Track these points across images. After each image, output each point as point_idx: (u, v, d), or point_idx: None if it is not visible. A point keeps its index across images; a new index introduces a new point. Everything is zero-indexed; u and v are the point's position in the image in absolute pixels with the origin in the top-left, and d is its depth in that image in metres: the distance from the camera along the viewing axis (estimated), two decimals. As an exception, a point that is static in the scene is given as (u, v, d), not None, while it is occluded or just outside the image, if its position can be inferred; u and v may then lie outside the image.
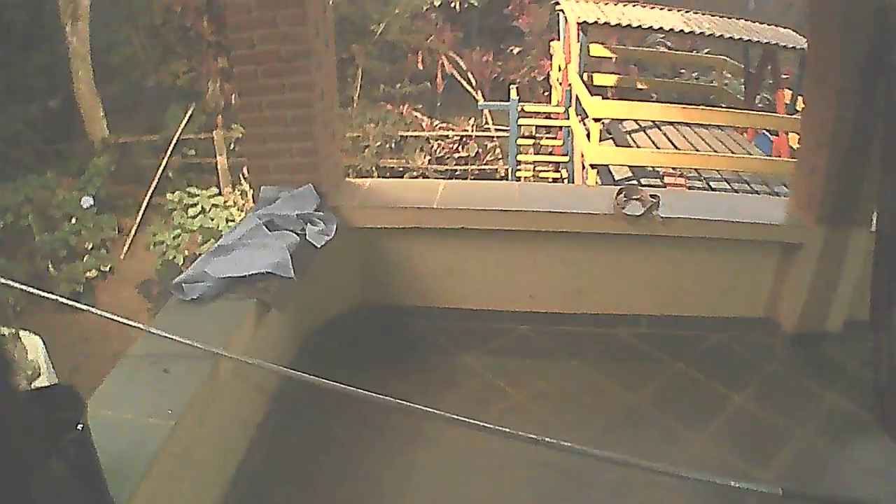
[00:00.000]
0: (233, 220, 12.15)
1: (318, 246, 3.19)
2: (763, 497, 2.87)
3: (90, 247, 12.65)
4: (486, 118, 15.80)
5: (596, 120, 7.34)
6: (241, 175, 13.51)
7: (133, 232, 13.31)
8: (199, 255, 3.29)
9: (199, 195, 13.17)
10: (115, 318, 2.70)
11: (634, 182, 7.56)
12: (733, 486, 2.88)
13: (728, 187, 7.15)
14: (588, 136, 7.59)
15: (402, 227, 3.61)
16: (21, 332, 5.22)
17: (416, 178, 13.86)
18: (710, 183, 7.37)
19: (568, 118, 10.09)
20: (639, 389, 3.51)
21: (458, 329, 3.79)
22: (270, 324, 2.93)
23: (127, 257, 13.06)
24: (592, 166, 7.37)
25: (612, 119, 8.11)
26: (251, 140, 3.55)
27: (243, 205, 13.08)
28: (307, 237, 3.17)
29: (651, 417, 3.37)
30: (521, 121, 10.86)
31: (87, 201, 13.14)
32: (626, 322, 3.95)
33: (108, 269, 12.56)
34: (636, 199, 3.75)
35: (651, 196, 3.78)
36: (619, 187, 4.00)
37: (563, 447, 2.48)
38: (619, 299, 3.94)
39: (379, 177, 13.74)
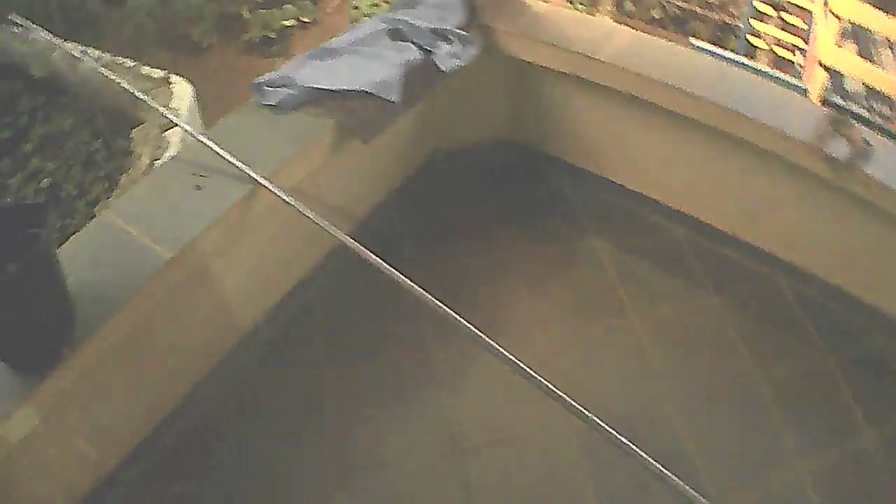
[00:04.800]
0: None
1: (446, 70, 2.55)
2: None
3: (296, -4, 12.54)
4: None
5: (837, 16, 5.78)
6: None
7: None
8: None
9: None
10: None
11: (864, 108, 6.03)
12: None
13: None
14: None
15: (561, 71, 2.91)
16: (173, 77, 5.15)
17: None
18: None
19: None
20: (772, 371, 2.50)
21: (602, 205, 3.03)
22: (353, 156, 2.45)
23: (334, 12, 12.82)
24: (823, 66, 5.91)
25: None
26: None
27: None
28: (434, 57, 2.55)
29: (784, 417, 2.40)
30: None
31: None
32: (793, 274, 2.87)
33: (309, 20, 12.44)
34: (843, 136, 2.72)
35: (864, 141, 2.73)
36: (828, 111, 2.97)
37: (612, 439, 1.75)
38: (794, 245, 2.89)
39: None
